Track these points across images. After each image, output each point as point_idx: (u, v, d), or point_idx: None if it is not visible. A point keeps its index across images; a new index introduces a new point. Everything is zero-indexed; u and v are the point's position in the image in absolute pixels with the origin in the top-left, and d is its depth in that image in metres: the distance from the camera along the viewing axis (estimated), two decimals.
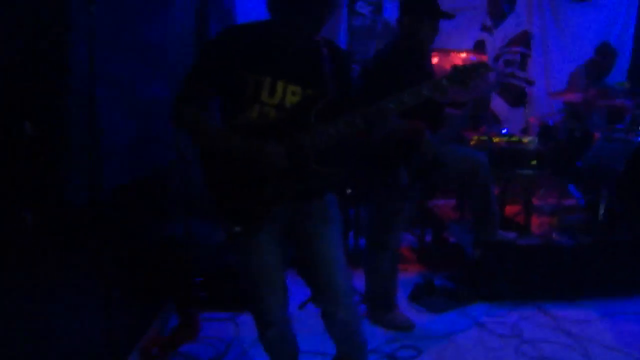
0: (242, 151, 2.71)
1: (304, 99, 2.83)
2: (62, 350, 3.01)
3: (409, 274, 4.78)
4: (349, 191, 5.72)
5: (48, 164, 2.87)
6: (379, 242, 4.51)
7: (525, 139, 6.38)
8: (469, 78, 2.94)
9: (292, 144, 2.76)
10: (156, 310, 4.51)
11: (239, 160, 2.73)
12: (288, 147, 2.75)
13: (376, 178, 4.37)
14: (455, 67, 2.95)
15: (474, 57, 8.10)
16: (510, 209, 6.46)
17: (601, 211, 5.88)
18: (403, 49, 4.30)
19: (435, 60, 7.64)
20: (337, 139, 2.81)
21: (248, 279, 2.98)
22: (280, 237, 2.98)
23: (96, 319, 3.28)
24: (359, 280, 4.65)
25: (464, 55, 7.98)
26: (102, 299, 3.22)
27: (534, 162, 6.25)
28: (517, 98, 8.72)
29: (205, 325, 4.47)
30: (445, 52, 7.90)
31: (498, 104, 8.70)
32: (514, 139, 6.37)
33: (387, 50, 4.40)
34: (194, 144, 2.97)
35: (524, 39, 8.82)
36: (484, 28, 8.78)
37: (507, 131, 6.60)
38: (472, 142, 6.21)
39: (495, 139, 6.31)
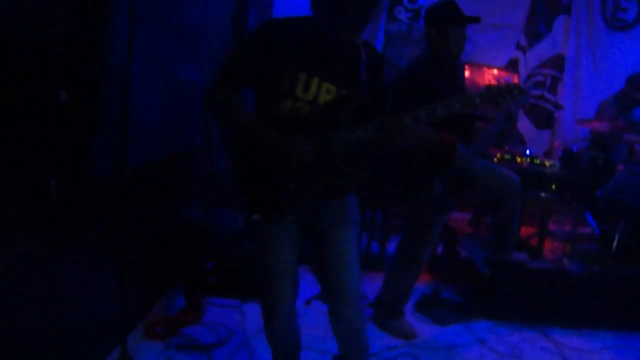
0: (271, 143, 2.75)
1: (338, 98, 2.87)
2: (74, 313, 3.08)
3: (417, 283, 4.79)
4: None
5: (77, 134, 2.91)
6: (408, 254, 4.53)
7: (548, 163, 6.37)
8: (502, 99, 2.97)
9: (320, 142, 2.80)
10: (164, 289, 4.56)
11: (267, 151, 2.76)
12: (316, 144, 2.79)
13: (411, 190, 4.39)
14: (490, 87, 2.97)
15: (505, 75, 8.09)
16: (525, 231, 6.45)
17: (615, 243, 5.87)
18: (433, 61, 4.31)
19: (467, 73, 7.65)
20: (364, 142, 2.84)
21: (262, 267, 3.03)
22: (298, 231, 3.03)
23: (108, 288, 3.33)
24: (368, 283, 4.67)
25: (495, 71, 7.97)
26: (115, 269, 3.27)
27: (554, 187, 6.25)
28: (544, 121, 8.69)
29: (211, 310, 4.52)
30: (478, 66, 7.89)
31: (524, 125, 8.68)
32: (536, 161, 6.37)
33: (417, 63, 4.42)
34: (224, 130, 3.01)
35: (557, 62, 8.78)
36: (519, 47, 8.75)
37: (530, 152, 6.59)
38: (495, 160, 6.21)
39: (519, 159, 6.31)
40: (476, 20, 4.24)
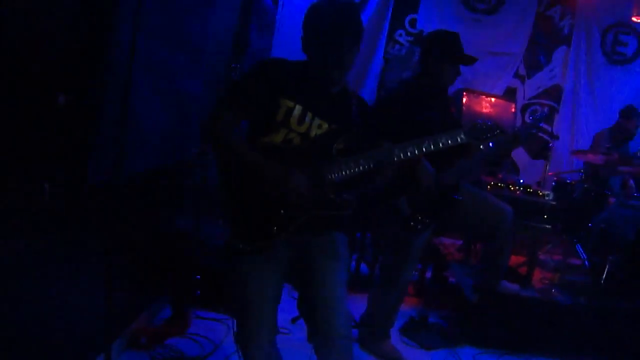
0: (270, 171, 2.78)
1: (329, 132, 2.95)
2: (58, 318, 3.07)
3: (404, 307, 4.78)
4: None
5: (74, 138, 2.92)
6: (388, 276, 4.53)
7: (541, 192, 6.39)
8: (484, 138, 3.08)
9: (312, 171, 2.84)
10: (151, 298, 4.55)
11: (264, 179, 2.78)
12: (307, 173, 2.82)
13: (380, 209, 4.39)
14: (474, 125, 3.10)
15: (503, 103, 8.14)
16: (515, 259, 6.46)
17: (604, 275, 5.88)
18: (422, 87, 4.34)
19: (464, 100, 7.68)
20: (355, 173, 2.91)
21: (239, 302, 2.94)
22: (284, 269, 2.98)
23: (94, 294, 3.32)
24: (357, 304, 4.67)
25: (492, 99, 8.01)
26: (103, 276, 3.26)
27: (545, 216, 6.27)
28: (539, 150, 8.73)
29: (197, 323, 4.51)
30: (475, 93, 7.94)
31: (519, 154, 8.72)
32: (529, 190, 6.39)
33: (407, 86, 4.45)
34: (222, 159, 3.00)
35: (554, 93, 8.85)
36: (517, 76, 8.83)
37: (523, 182, 6.62)
38: (488, 187, 6.23)
39: (512, 187, 6.34)
40: (473, 60, 4.29)
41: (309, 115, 2.90)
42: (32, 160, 2.63)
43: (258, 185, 2.81)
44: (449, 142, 2.99)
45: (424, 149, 2.95)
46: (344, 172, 2.89)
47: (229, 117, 2.90)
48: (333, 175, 2.88)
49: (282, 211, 2.84)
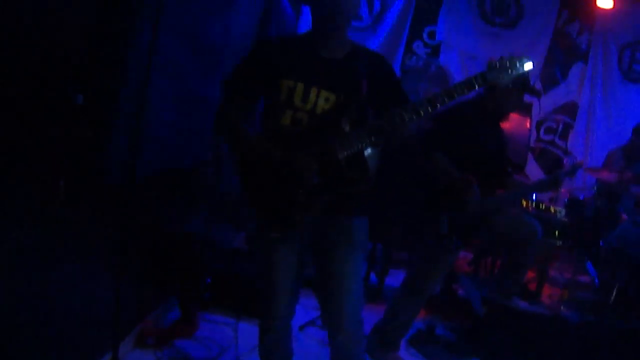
0: (274, 162, 2.80)
1: (337, 104, 2.88)
2: (67, 314, 3.09)
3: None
4: None
5: (91, 138, 2.95)
6: (414, 287, 4.53)
7: (553, 209, 6.36)
8: (503, 75, 2.91)
9: (325, 153, 2.80)
10: (160, 299, 4.56)
11: (272, 170, 2.80)
12: (318, 153, 2.80)
13: (418, 223, 4.41)
14: (490, 62, 2.96)
15: (517, 117, 8.12)
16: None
17: (613, 293, 5.85)
18: (482, 109, 4.39)
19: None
20: (366, 145, 2.84)
21: (262, 282, 3.06)
22: (301, 250, 3.03)
23: (103, 292, 3.34)
24: (364, 314, 4.66)
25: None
26: (113, 274, 3.28)
27: (557, 233, 6.24)
28: (553, 166, 8.70)
29: (204, 326, 4.52)
30: None
31: (533, 169, 8.69)
32: (542, 206, 6.36)
33: (466, 105, 4.47)
34: (232, 151, 3.03)
35: (570, 109, 8.83)
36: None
37: (536, 197, 6.59)
38: None
39: (525, 203, 6.31)
40: (538, 93, 4.35)
41: (313, 90, 2.86)
42: (50, 157, 2.66)
43: (269, 173, 2.83)
44: (462, 89, 2.82)
45: (437, 105, 2.80)
46: (354, 145, 2.82)
47: (231, 109, 2.95)
48: (346, 152, 2.81)
49: (299, 196, 2.82)
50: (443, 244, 4.16)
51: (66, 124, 2.77)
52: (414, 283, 4.54)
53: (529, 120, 8.42)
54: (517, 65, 2.92)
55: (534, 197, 6.54)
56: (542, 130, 8.77)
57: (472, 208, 4.13)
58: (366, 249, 3.14)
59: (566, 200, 7.10)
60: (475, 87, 2.84)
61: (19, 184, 2.47)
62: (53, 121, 2.67)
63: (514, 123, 7.97)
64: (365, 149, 2.85)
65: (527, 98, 8.45)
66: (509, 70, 2.90)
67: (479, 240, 4.61)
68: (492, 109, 4.42)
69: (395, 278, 5.40)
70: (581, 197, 7.18)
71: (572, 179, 6.20)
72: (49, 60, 2.61)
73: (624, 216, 6.68)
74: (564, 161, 8.48)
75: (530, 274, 6.48)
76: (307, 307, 3.19)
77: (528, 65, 2.94)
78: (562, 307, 5.86)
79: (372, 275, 6.26)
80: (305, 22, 7.98)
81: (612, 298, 5.85)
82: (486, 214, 4.26)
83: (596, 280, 6.36)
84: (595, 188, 7.44)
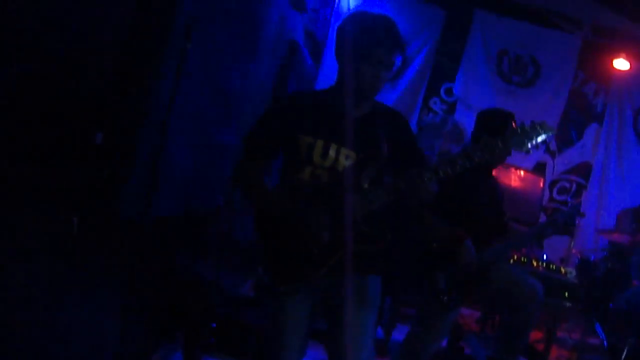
0: (288, 218, 2.82)
1: (357, 162, 2.88)
2: (69, 349, 3.08)
3: None
4: None
5: (108, 178, 3.00)
6: (415, 349, 4.48)
7: (564, 269, 6.33)
8: (527, 140, 2.95)
9: (342, 209, 2.79)
10: (163, 341, 4.55)
11: (286, 226, 2.82)
12: (337, 213, 2.79)
13: (416, 278, 4.39)
14: (514, 129, 2.99)
15: (531, 177, 8.11)
16: (532, 335, 6.38)
17: (623, 357, 5.79)
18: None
19: (493, 172, 7.69)
20: (384, 202, 2.83)
21: (271, 332, 3.02)
22: (312, 308, 3.00)
23: (107, 331, 3.35)
24: None
25: (522, 173, 7.98)
26: (120, 311, 3.29)
27: (567, 294, 6.20)
28: (565, 227, 8.67)
29: None
30: (505, 166, 7.92)
31: None
32: (552, 266, 6.32)
33: None
34: (249, 204, 3.06)
35: (583, 170, 8.83)
36: (548, 151, 8.82)
37: (547, 257, 6.56)
38: (510, 261, 6.19)
39: (535, 263, 6.28)
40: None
41: (333, 147, 2.87)
42: (66, 194, 2.70)
43: (284, 227, 2.84)
44: (484, 153, 2.84)
45: (458, 167, 2.81)
46: (373, 203, 2.81)
47: (250, 164, 3.00)
48: (363, 210, 2.80)
49: (314, 252, 2.81)
50: (441, 301, 4.14)
51: (85, 162, 2.82)
52: (414, 346, 4.50)
53: (542, 180, 8.41)
54: (539, 129, 2.95)
55: (544, 257, 6.51)
56: (555, 190, 8.77)
57: (467, 263, 4.11)
58: (378, 307, 3.10)
59: (577, 261, 7.08)
60: (495, 152, 2.86)
61: (34, 218, 2.51)
62: (72, 158, 2.73)
63: (527, 182, 7.97)
64: (383, 207, 2.85)
65: (541, 158, 8.62)
66: (531, 135, 2.93)
67: (480, 297, 4.56)
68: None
69: (403, 332, 5.37)
70: (592, 258, 7.15)
71: (574, 223, 6.17)
72: (72, 100, 2.67)
73: (635, 282, 6.64)
74: (576, 222, 8.46)
75: (538, 335, 6.43)
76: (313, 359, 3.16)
77: (549, 130, 2.97)
78: None
79: (379, 329, 6.23)
80: (325, 74, 8.08)
81: None
82: (484, 268, 4.24)
83: (605, 343, 6.30)
84: (606, 250, 7.41)
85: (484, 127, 4.41)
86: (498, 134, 4.27)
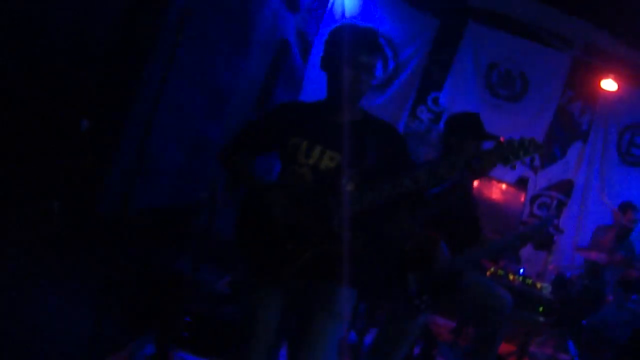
0: (255, 194, 2.96)
1: (341, 165, 2.91)
2: (39, 336, 3.07)
3: None
4: None
5: (91, 165, 2.99)
6: (383, 353, 4.48)
7: (539, 285, 6.36)
8: (513, 157, 2.96)
9: (319, 205, 2.84)
10: (136, 333, 4.54)
11: (263, 211, 2.87)
12: (313, 211, 2.84)
13: (387, 281, 4.39)
14: (500, 144, 3.00)
15: (512, 191, 8.15)
16: (505, 348, 6.42)
17: None
18: None
19: (475, 184, 7.72)
20: (361, 207, 2.84)
21: (243, 326, 3.02)
22: (288, 307, 3.00)
23: (79, 321, 3.33)
24: None
25: (504, 186, 8.03)
26: (95, 302, 3.28)
27: (541, 309, 6.24)
28: (543, 242, 8.72)
29: None
30: (487, 179, 7.96)
31: None
32: (528, 281, 6.36)
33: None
34: (233, 184, 3.13)
35: (565, 187, 8.88)
36: (531, 166, 8.83)
37: (524, 272, 6.60)
38: (488, 273, 6.22)
39: (511, 277, 6.31)
40: (495, 138, 4.33)
41: (318, 148, 2.93)
42: (48, 178, 2.70)
43: (264, 217, 2.88)
44: (466, 159, 2.85)
45: (439, 173, 2.81)
46: (350, 206, 2.82)
47: (238, 149, 3.14)
48: (342, 210, 2.81)
49: (288, 243, 2.84)
50: (413, 303, 4.14)
51: (68, 148, 2.81)
52: (382, 349, 4.50)
53: (523, 195, 8.45)
54: (527, 146, 2.97)
55: (521, 272, 6.55)
56: (535, 205, 8.82)
57: (441, 264, 4.12)
58: (345, 321, 3.08)
59: (553, 277, 7.13)
60: (456, 169, 2.87)
61: (16, 202, 2.50)
62: (56, 143, 2.72)
63: (508, 196, 8.02)
64: (363, 210, 2.85)
65: (524, 173, 8.66)
66: (517, 153, 2.95)
67: (451, 305, 4.57)
68: None
69: None
70: (568, 275, 7.20)
71: (546, 235, 6.19)
72: (61, 85, 2.67)
73: (609, 297, 6.69)
74: (554, 238, 8.52)
75: (511, 348, 6.46)
76: None
77: (539, 149, 3.00)
78: None
79: (352, 334, 6.22)
80: (313, 73, 8.08)
81: None
82: (457, 272, 4.25)
83: (576, 359, 6.34)
84: (583, 267, 7.47)
85: (451, 132, 4.43)
86: (466, 137, 4.34)
